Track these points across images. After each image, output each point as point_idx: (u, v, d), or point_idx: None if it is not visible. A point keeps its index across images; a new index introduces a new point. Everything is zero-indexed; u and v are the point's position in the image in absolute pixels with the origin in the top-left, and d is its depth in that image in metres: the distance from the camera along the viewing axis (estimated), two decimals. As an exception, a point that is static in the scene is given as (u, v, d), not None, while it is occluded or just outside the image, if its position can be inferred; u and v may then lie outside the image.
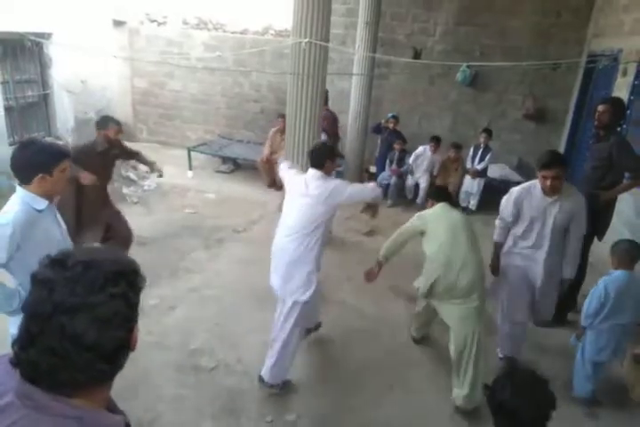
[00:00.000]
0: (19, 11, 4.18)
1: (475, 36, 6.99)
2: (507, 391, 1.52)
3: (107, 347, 0.86)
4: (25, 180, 2.01)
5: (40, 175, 1.99)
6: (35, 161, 1.99)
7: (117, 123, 3.86)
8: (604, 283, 2.80)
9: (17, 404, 0.85)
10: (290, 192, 2.90)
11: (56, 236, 2.11)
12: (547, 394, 1.55)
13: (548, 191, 2.86)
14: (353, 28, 6.96)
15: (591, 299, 2.83)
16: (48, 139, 4.69)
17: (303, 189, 2.78)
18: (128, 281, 0.90)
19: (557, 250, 3.06)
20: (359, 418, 2.87)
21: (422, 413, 2.94)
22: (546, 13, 6.72)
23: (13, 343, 0.87)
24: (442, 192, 3.29)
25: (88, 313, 0.83)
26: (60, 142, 4.76)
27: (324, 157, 2.79)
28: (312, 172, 2.80)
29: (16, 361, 0.86)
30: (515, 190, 3.09)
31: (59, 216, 2.20)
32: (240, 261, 4.70)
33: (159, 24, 8.16)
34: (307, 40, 3.44)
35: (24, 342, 0.85)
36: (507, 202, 3.11)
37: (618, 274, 2.77)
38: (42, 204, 2.04)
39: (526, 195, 3.01)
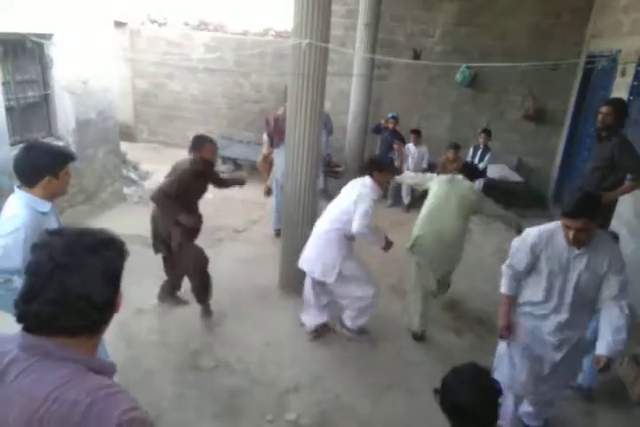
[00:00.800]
0: (20, 11, 4.18)
1: (474, 37, 7.00)
2: (456, 392, 1.56)
3: (97, 299, 1.02)
4: (30, 183, 1.99)
5: (47, 178, 1.98)
6: (41, 163, 1.98)
7: (212, 142, 3.45)
8: None
9: (22, 356, 0.99)
10: (345, 188, 3.45)
11: None
12: (492, 384, 1.59)
13: (571, 243, 2.28)
14: (353, 29, 6.98)
15: None
16: (49, 140, 4.72)
17: (350, 189, 3.34)
18: (116, 248, 1.08)
19: (578, 320, 2.41)
20: (359, 417, 2.88)
21: (422, 413, 2.95)
22: (545, 14, 6.73)
23: (16, 302, 1.00)
24: (471, 170, 3.81)
25: (83, 270, 1.00)
26: (61, 143, 4.78)
27: (369, 169, 3.34)
28: (365, 178, 3.34)
29: (20, 315, 1.00)
30: (531, 233, 2.42)
31: (59, 217, 2.20)
32: (240, 260, 4.70)
33: (160, 25, 8.18)
34: (307, 41, 3.45)
35: (29, 296, 0.99)
36: (519, 246, 2.46)
37: None
38: (46, 206, 2.03)
39: (547, 242, 2.36)
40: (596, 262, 2.28)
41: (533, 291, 2.47)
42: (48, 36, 4.63)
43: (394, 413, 2.94)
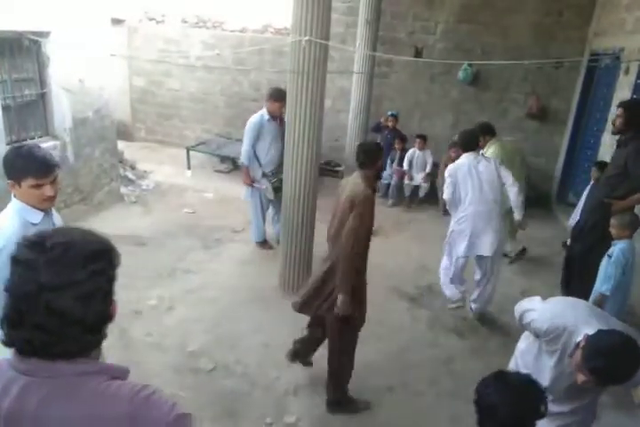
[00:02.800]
0: (17, 9, 4.14)
1: (476, 35, 6.94)
2: (495, 394, 1.46)
3: (91, 320, 0.92)
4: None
5: (9, 182, 1.88)
6: (9, 166, 1.88)
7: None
8: (619, 250, 3.09)
9: (34, 382, 0.89)
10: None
11: None
12: (536, 400, 1.47)
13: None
14: (353, 26, 6.91)
15: (616, 266, 3.08)
16: (46, 139, 4.67)
17: (485, 171, 3.74)
18: (106, 258, 0.96)
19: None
20: (359, 420, 2.85)
21: (422, 415, 2.92)
22: (548, 12, 6.67)
23: (2, 324, 0.90)
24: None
25: (72, 291, 0.88)
26: (57, 142, 4.71)
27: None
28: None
29: (9, 341, 0.90)
30: (550, 321, 1.94)
31: (57, 225, 2.11)
32: (239, 261, 4.66)
33: (158, 22, 8.11)
34: (307, 38, 3.40)
35: (14, 320, 0.89)
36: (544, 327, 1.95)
37: (626, 242, 3.12)
38: (36, 217, 1.91)
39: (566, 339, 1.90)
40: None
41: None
42: (45, 34, 4.58)
43: (395, 415, 2.90)
